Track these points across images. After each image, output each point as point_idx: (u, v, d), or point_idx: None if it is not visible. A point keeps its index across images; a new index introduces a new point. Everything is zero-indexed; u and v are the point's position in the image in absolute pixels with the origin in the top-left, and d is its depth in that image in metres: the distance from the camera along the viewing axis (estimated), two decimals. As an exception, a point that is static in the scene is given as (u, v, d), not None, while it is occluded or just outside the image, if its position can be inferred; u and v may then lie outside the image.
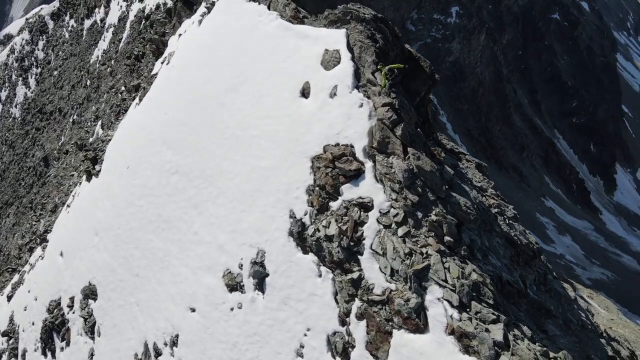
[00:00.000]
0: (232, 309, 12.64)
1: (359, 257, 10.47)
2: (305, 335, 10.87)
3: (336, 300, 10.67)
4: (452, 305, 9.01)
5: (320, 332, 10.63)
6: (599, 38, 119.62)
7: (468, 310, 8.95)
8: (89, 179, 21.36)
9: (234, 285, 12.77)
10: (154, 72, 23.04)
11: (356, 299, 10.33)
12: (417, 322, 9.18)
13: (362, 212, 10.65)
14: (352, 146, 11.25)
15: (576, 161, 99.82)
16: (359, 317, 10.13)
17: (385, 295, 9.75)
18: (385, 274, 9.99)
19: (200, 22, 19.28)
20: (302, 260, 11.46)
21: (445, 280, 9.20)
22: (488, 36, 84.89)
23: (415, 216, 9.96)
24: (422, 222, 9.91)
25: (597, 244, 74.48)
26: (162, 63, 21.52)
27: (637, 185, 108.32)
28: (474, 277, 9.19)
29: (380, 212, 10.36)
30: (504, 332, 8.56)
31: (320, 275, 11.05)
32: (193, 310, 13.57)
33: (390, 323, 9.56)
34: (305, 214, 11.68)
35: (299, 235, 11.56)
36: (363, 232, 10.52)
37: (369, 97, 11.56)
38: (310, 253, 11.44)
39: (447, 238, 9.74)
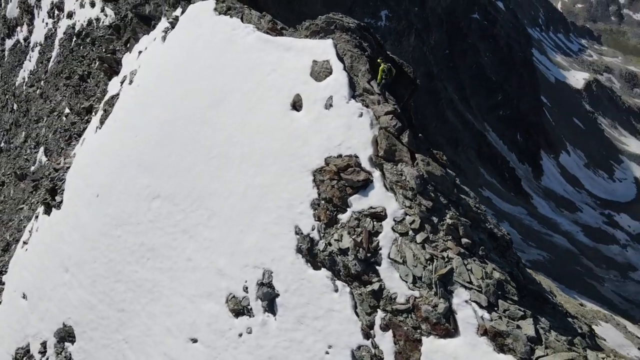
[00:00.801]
0: (240, 335, 12.20)
1: (377, 267, 10.47)
2: (327, 353, 10.69)
3: (357, 313, 10.58)
4: (480, 306, 9.21)
5: (344, 348, 10.50)
6: (516, 35, 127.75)
7: (496, 309, 9.18)
8: (48, 212, 19.89)
9: (240, 310, 12.34)
10: (111, 92, 21.90)
11: (379, 310, 10.31)
12: (446, 326, 9.29)
13: (375, 222, 10.67)
14: (356, 156, 11.26)
15: (506, 151, 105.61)
16: (384, 328, 10.11)
17: (410, 303, 9.80)
18: (406, 282, 10.05)
19: (164, 37, 18.59)
20: (315, 276, 11.29)
21: (470, 282, 9.40)
22: (417, 37, 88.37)
23: (431, 221, 10.12)
24: (438, 226, 10.08)
25: (532, 227, 78.92)
26: (122, 83, 20.49)
27: (560, 170, 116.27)
28: (496, 275, 9.45)
29: (394, 220, 10.43)
30: (535, 326, 8.84)
31: (336, 290, 10.93)
32: (195, 340, 12.97)
33: (419, 330, 9.62)
34: (313, 229, 11.53)
35: (309, 251, 11.38)
36: (379, 242, 10.55)
37: (367, 106, 11.64)
38: (322, 268, 11.30)
39: (464, 240, 9.96)
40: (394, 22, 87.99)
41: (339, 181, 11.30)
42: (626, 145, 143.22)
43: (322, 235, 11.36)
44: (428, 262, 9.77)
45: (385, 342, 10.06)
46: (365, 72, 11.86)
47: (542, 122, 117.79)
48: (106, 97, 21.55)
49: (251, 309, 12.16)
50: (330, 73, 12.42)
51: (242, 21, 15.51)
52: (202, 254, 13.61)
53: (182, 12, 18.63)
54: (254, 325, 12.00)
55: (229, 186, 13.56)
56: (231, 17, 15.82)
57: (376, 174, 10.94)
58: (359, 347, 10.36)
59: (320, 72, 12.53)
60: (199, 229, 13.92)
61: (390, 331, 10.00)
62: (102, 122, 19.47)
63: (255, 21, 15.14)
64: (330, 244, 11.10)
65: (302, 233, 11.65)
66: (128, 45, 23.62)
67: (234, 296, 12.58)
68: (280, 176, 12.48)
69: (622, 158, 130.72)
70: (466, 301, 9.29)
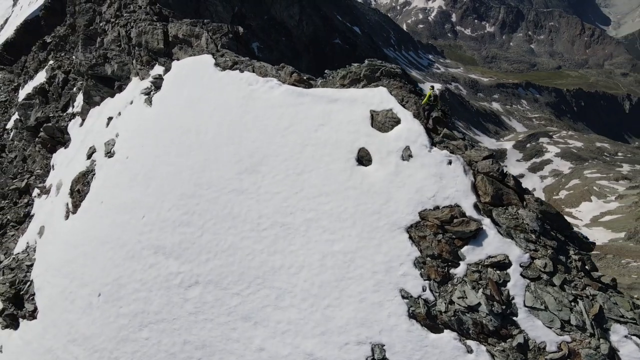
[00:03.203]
0: None
1: (514, 318, 10.12)
2: (478, 421, 9.97)
3: (500, 371, 10.06)
4: (640, 338, 9.31)
5: (498, 411, 9.89)
6: (374, 55, 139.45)
7: (654, 337, 9.36)
8: (14, 325, 16.23)
9: (351, 396, 11.04)
10: (71, 168, 18.73)
11: (526, 363, 9.91)
12: (612, 366, 9.24)
13: (498, 272, 10.35)
14: (458, 206, 10.91)
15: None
16: (539, 381, 9.73)
17: (564, 350, 9.59)
18: (551, 328, 9.84)
19: (148, 100, 16.41)
20: (440, 340, 10.58)
21: (622, 316, 9.50)
22: (290, 64, 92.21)
23: (560, 261, 10.10)
24: (568, 265, 10.09)
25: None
26: (90, 156, 17.58)
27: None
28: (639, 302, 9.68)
29: (521, 266, 10.24)
30: (695, 345, 9.16)
31: (470, 351, 10.33)
32: None
33: (581, 376, 9.42)
34: (424, 290, 10.84)
35: (428, 315, 10.64)
36: (508, 292, 10.23)
37: (452, 152, 11.37)
38: (445, 330, 10.61)
39: (594, 274, 10.09)
40: (266, 53, 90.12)
41: (444, 234, 10.80)
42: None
43: (437, 294, 10.70)
44: (572, 303, 9.68)
45: (544, 394, 9.67)
46: (440, 118, 11.59)
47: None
48: (63, 174, 18.40)
49: (366, 392, 10.94)
50: (398, 122, 11.97)
51: (259, 75, 14.32)
52: (278, 340, 12.03)
53: (166, 70, 16.71)
54: (374, 410, 10.79)
55: (297, 259, 12.25)
56: (241, 71, 14.54)
57: (486, 221, 10.65)
58: (515, 407, 9.81)
59: (385, 122, 12.02)
60: (266, 312, 12.31)
61: (548, 382, 9.64)
62: (76, 206, 16.46)
63: (273, 73, 14.13)
64: (452, 302, 10.48)
65: (411, 296, 10.88)
66: (72, 111, 20.54)
67: (338, 382, 11.21)
68: (366, 239, 11.59)
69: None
70: (625, 336, 9.33)
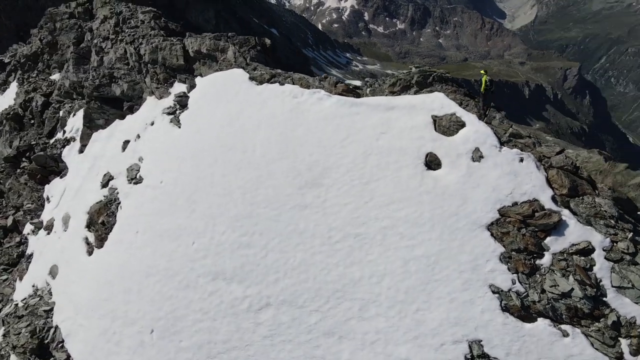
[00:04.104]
0: (465, 422, 11.22)
1: (604, 299, 10.96)
2: (584, 399, 10.68)
3: (596, 349, 10.86)
4: None
5: (601, 387, 10.65)
6: (294, 56, 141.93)
7: None
8: (41, 378, 14.80)
9: (455, 395, 11.35)
10: (81, 198, 17.32)
11: (620, 338, 10.79)
12: (698, 330, 10.31)
13: (583, 258, 11.15)
14: (537, 200, 11.62)
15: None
16: (634, 352, 10.63)
17: (654, 321, 10.54)
18: (638, 303, 10.77)
19: (175, 119, 15.61)
20: (536, 329, 11.22)
21: (699, 283, 10.62)
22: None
23: (638, 242, 11.09)
24: (643, 244, 11.10)
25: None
26: (107, 184, 16.35)
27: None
28: None
29: (604, 250, 11.11)
30: None
31: (566, 335, 11.03)
32: None
33: (673, 343, 10.42)
34: (514, 283, 11.43)
35: (522, 306, 11.21)
36: (595, 275, 11.05)
37: (522, 150, 12.07)
38: (539, 318, 11.25)
39: (666, 249, 11.17)
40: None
41: (527, 228, 11.45)
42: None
43: (527, 285, 11.30)
44: (655, 278, 10.66)
45: (641, 365, 10.56)
46: (502, 118, 12.26)
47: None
48: (69, 207, 17.05)
49: (469, 389, 11.28)
50: (463, 125, 12.50)
51: (301, 87, 14.25)
52: (369, 350, 12.08)
53: (191, 88, 16.02)
54: (480, 405, 11.16)
55: (378, 267, 12.38)
56: (281, 84, 14.39)
57: (565, 212, 11.43)
58: (616, 381, 10.62)
59: (449, 126, 12.50)
60: (351, 325, 12.32)
61: (643, 353, 10.55)
62: (101, 239, 15.31)
63: (316, 85, 14.15)
64: (544, 291, 11.13)
65: (502, 290, 11.43)
66: (64, 136, 19.02)
67: (439, 384, 11.46)
68: (447, 240, 12.00)
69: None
70: None
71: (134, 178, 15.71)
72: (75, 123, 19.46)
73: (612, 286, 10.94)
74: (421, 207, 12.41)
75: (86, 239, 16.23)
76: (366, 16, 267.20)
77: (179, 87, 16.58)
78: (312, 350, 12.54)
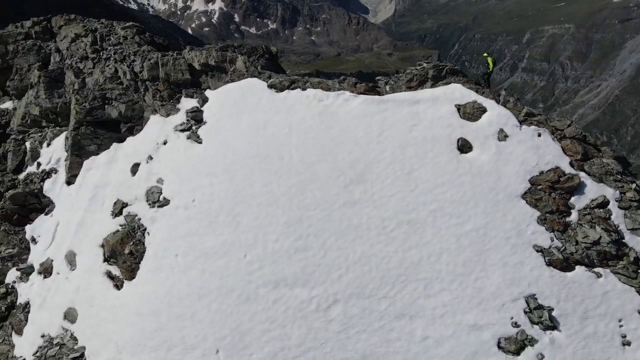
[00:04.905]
0: (535, 366, 12.97)
1: (623, 241, 13.37)
2: (621, 325, 12.98)
3: (624, 283, 13.23)
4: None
5: (633, 312, 13.02)
6: None
7: None
8: None
9: (521, 345, 13.09)
10: (76, 234, 16.06)
11: (639, 271, 13.27)
12: (693, 251, 13.09)
13: (602, 210, 13.46)
14: (558, 167, 13.72)
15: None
16: (656, 280, 13.15)
17: (662, 250, 13.16)
18: (648, 239, 13.35)
19: (195, 135, 15.18)
20: (576, 275, 13.34)
21: (688, 216, 13.43)
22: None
23: (638, 189, 13.67)
24: (643, 191, 13.72)
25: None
26: (121, 211, 15.35)
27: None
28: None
29: (616, 200, 13.51)
30: None
31: (599, 276, 13.28)
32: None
33: (678, 265, 13.12)
34: (552, 240, 13.41)
35: (564, 258, 13.20)
36: (613, 222, 13.42)
37: (538, 126, 14.07)
38: (576, 266, 13.34)
39: (658, 192, 13.91)
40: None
41: (555, 192, 13.47)
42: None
43: (565, 239, 13.34)
44: (658, 217, 13.28)
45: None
46: (515, 101, 14.13)
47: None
48: (70, 244, 15.94)
49: (531, 338, 13.04)
50: (485, 110, 14.22)
51: (323, 90, 14.95)
52: (439, 323, 13.37)
53: (203, 102, 15.71)
54: (543, 349, 13.01)
55: (434, 247, 13.70)
56: (303, 89, 14.96)
57: (582, 174, 13.65)
58: (644, 304, 13.08)
59: (473, 112, 14.14)
60: (419, 304, 13.52)
61: (660, 278, 13.11)
62: (131, 270, 14.58)
63: (337, 87, 15.00)
64: (577, 243, 13.25)
65: (544, 248, 13.37)
66: (39, 169, 17.44)
67: (506, 338, 13.08)
68: (491, 213, 13.68)
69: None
70: (695, 228, 13.25)
71: (157, 201, 15.07)
72: (53, 153, 17.71)
73: (627, 229, 13.34)
74: (462, 188, 13.86)
75: (108, 273, 15.22)
76: (237, 18, 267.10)
77: (187, 103, 16.07)
78: (387, 335, 13.43)
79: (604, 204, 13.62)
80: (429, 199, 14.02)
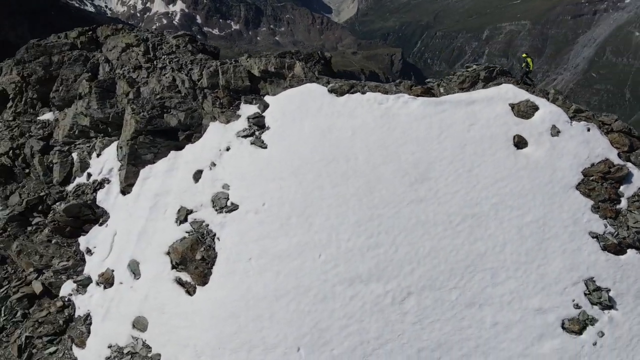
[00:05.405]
0: (595, 344, 14.07)
1: (666, 220, 14.59)
2: (672, 299, 14.22)
3: (671, 262, 14.45)
4: None
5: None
6: None
7: None
8: None
9: (583, 325, 14.19)
10: (138, 242, 16.27)
11: (682, 250, 14.52)
12: None
13: (647, 195, 14.67)
14: (608, 159, 14.84)
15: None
16: (695, 258, 14.43)
17: (703, 231, 14.44)
18: (689, 222, 14.62)
19: (259, 140, 15.57)
20: (629, 258, 14.50)
21: None
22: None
23: (678, 174, 14.93)
24: (682, 177, 14.99)
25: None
26: (186, 218, 15.65)
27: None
28: None
29: (660, 185, 14.73)
30: None
31: (652, 255, 14.47)
32: (557, 381, 13.93)
33: None
34: (606, 226, 14.56)
35: (617, 243, 14.33)
36: (657, 203, 14.67)
37: (585, 120, 15.14)
38: (628, 250, 14.51)
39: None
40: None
41: (605, 182, 14.60)
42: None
43: (615, 226, 14.48)
44: (698, 200, 14.56)
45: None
46: (562, 101, 15.15)
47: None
48: (132, 252, 16.20)
49: (592, 317, 14.15)
50: (537, 108, 15.24)
51: (382, 93, 15.63)
52: (507, 309, 14.35)
53: (264, 107, 16.17)
54: (603, 327, 14.14)
55: (497, 239, 14.62)
56: (363, 93, 15.63)
57: (629, 164, 14.81)
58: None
59: (526, 110, 15.14)
60: (487, 293, 14.48)
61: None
62: (204, 275, 14.97)
63: (394, 89, 15.72)
64: (629, 228, 14.41)
65: (599, 234, 14.54)
66: (91, 179, 17.51)
67: (570, 319, 14.16)
68: (549, 204, 14.77)
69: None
70: None
71: (225, 206, 15.43)
72: (104, 163, 17.69)
73: (671, 209, 14.55)
74: (521, 182, 14.84)
75: (178, 279, 15.52)
76: (199, 19, 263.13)
77: (247, 109, 16.40)
78: (459, 323, 14.32)
79: (650, 190, 14.84)
80: (491, 193, 14.93)
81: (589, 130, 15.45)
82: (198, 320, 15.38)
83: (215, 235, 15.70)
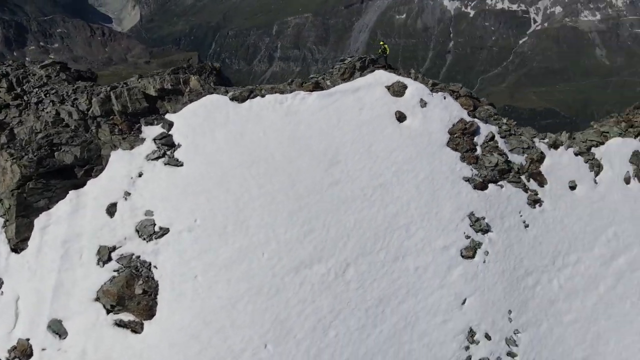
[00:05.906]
0: (484, 262, 18.14)
1: (508, 159, 19.39)
2: None
3: (516, 186, 19.34)
4: (543, 138, 20.33)
5: None
6: None
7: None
8: None
9: (474, 250, 18.03)
10: (52, 302, 14.61)
11: (520, 175, 19.55)
12: (543, 154, 20.01)
13: (492, 142, 19.19)
14: (462, 118, 18.90)
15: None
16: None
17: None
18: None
19: (173, 160, 15.16)
20: (490, 190, 18.83)
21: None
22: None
23: (506, 123, 19.82)
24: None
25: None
26: (110, 257, 14.44)
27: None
28: None
29: (498, 133, 19.38)
30: None
31: (502, 187, 19.11)
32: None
33: None
34: (472, 170, 18.71)
35: (482, 180, 18.52)
36: (500, 148, 19.31)
37: (440, 91, 18.94)
38: (489, 184, 18.85)
39: (514, 122, 20.37)
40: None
41: (465, 136, 18.66)
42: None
43: (478, 168, 18.68)
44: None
45: None
46: (421, 78, 18.67)
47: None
48: (51, 311, 14.91)
49: (479, 242, 18.13)
50: (406, 87, 18.42)
51: (282, 94, 17.05)
52: (422, 254, 17.50)
53: (169, 126, 15.75)
54: (486, 247, 18.24)
55: (402, 200, 17.68)
56: (262, 96, 16.82)
57: (476, 120, 19.06)
58: None
59: (399, 90, 18.30)
60: (405, 245, 17.41)
61: (531, 178, 19.58)
62: (149, 308, 14.48)
63: (288, 89, 17.29)
64: (485, 168, 18.73)
65: (469, 177, 18.55)
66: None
67: (464, 248, 17.85)
68: (432, 163, 18.29)
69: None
70: None
71: (154, 233, 14.76)
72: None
73: (508, 150, 19.27)
74: (409, 148, 18.04)
75: (119, 322, 14.49)
76: None
77: (150, 130, 15.48)
78: (391, 276, 16.86)
79: (492, 137, 19.33)
80: (389, 163, 17.62)
81: (445, 98, 19.26)
82: (155, 355, 14.70)
83: (150, 264, 14.98)
